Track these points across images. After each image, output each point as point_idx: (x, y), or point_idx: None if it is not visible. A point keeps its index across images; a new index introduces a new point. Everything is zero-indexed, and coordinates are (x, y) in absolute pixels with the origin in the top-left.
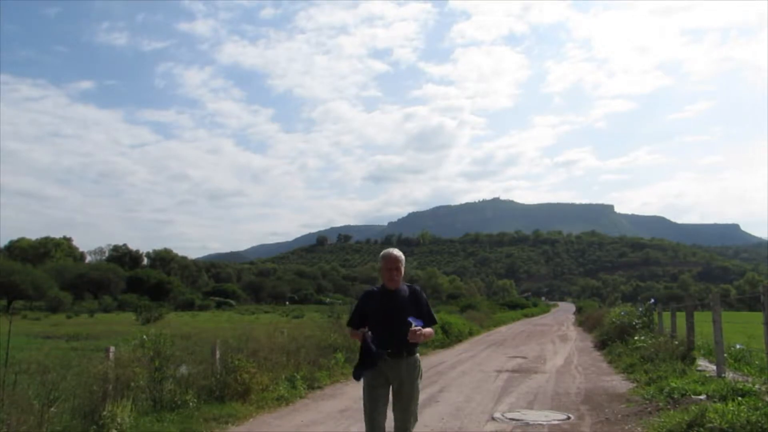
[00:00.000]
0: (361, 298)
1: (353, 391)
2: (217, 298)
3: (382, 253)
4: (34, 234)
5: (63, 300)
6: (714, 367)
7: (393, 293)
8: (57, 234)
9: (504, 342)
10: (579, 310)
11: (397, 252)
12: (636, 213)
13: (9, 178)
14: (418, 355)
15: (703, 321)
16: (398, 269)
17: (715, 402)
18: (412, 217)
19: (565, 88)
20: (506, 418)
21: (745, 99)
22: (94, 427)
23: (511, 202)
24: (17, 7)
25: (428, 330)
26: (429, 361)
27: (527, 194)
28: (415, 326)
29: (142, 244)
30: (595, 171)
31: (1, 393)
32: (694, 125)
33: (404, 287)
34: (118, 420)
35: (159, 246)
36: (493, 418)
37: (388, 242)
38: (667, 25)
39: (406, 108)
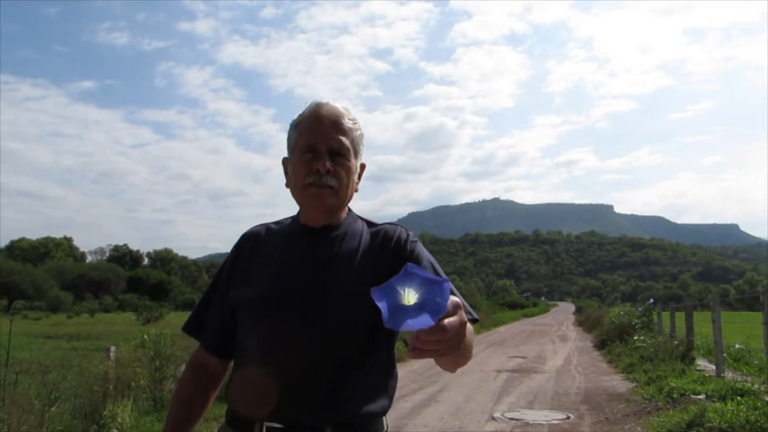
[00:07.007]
0: (230, 255)
1: None
2: None
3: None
4: (34, 234)
5: (63, 300)
6: (713, 367)
7: (320, 237)
8: (57, 234)
9: (504, 342)
10: (579, 310)
11: (336, 105)
12: (636, 213)
13: (9, 178)
14: (384, 422)
15: (702, 321)
16: (342, 154)
17: (714, 401)
18: (412, 217)
19: (566, 88)
20: (506, 418)
21: (746, 99)
22: (95, 426)
23: (511, 202)
24: (17, 7)
25: (455, 319)
26: (427, 361)
27: (527, 194)
28: (415, 330)
29: (143, 244)
30: (596, 171)
31: (2, 393)
32: (695, 125)
33: (358, 226)
34: (119, 420)
35: (159, 246)
36: (493, 418)
37: None
38: (669, 25)
39: (407, 108)
